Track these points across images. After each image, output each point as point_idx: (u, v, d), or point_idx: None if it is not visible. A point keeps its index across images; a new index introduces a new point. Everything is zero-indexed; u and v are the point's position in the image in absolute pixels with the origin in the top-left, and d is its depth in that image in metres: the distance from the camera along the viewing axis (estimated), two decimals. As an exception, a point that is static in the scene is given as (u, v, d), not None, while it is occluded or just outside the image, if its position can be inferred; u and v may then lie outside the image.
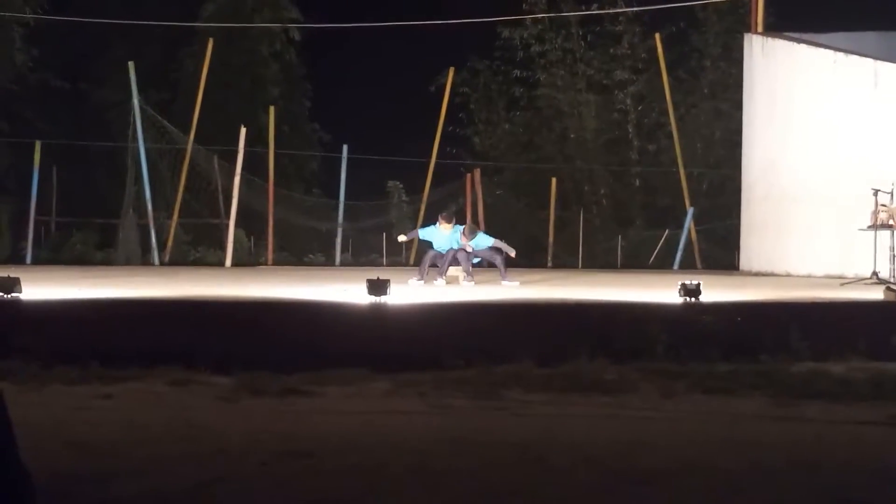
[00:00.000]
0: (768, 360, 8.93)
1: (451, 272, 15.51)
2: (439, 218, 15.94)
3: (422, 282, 15.13)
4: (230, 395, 7.55)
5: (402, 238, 17.40)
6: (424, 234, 16.22)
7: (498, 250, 15.57)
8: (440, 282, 15.16)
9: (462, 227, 15.80)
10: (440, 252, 15.53)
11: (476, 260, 15.70)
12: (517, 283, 15.04)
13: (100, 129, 34.22)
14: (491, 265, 15.99)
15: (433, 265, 15.64)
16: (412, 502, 4.70)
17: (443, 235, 15.60)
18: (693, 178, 31.34)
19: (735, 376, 8.31)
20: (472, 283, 15.09)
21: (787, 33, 23.35)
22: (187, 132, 27.22)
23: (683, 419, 6.87)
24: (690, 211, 28.34)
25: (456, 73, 31.20)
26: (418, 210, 29.71)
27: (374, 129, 35.50)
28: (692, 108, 34.87)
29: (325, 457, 5.51)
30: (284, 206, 29.08)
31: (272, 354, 8.53)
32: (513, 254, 15.64)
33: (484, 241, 15.62)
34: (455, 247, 15.36)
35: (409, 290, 12.66)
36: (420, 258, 16.99)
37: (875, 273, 15.82)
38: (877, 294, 11.66)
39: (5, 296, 9.73)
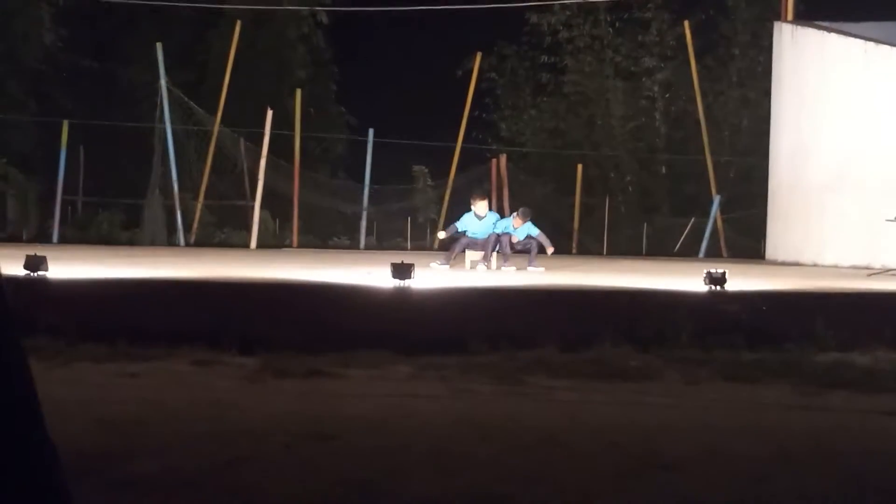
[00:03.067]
0: (793, 350, 8.90)
1: (477, 256, 15.52)
2: (474, 197, 15.86)
3: (446, 266, 15.11)
4: (255, 375, 7.58)
5: (442, 234, 16.93)
6: (462, 225, 15.83)
7: (534, 239, 15.60)
8: (482, 267, 15.17)
9: (496, 215, 15.87)
10: (476, 238, 15.44)
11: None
12: (542, 269, 15.04)
13: (127, 110, 34.32)
14: (522, 251, 15.93)
15: (465, 250, 15.57)
16: (434, 485, 4.71)
17: (477, 221, 15.50)
18: (720, 167, 31.21)
19: (759, 365, 8.29)
20: (513, 267, 15.14)
21: (817, 22, 23.21)
22: (214, 114, 27.29)
23: (707, 407, 6.86)
24: (717, 199, 28.23)
25: (483, 58, 31.12)
26: (443, 195, 29.69)
27: (400, 113, 35.52)
28: (720, 95, 34.73)
29: (347, 438, 5.53)
30: (310, 188, 29.14)
31: (297, 336, 8.56)
32: (550, 251, 15.68)
33: (531, 229, 15.63)
34: (497, 231, 15.32)
35: (432, 274, 12.68)
36: (446, 243, 16.81)
37: (902, 264, 15.74)
38: (904, 285, 11.60)
39: (32, 274, 9.80)
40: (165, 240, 26.42)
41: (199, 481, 4.66)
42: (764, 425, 6.26)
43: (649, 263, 20.65)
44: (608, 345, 8.72)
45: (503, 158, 29.76)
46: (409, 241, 31.75)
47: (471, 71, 30.02)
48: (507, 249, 15.38)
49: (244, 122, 29.00)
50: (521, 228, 15.53)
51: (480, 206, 15.59)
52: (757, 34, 33.51)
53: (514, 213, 15.90)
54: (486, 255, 15.28)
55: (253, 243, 25.53)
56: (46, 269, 9.94)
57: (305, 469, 4.91)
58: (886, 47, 20.36)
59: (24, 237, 27.41)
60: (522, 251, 15.80)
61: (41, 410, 3.13)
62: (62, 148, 26.42)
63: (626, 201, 35.84)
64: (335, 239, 31.50)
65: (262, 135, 26.05)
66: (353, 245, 29.62)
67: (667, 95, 36.03)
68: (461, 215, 15.93)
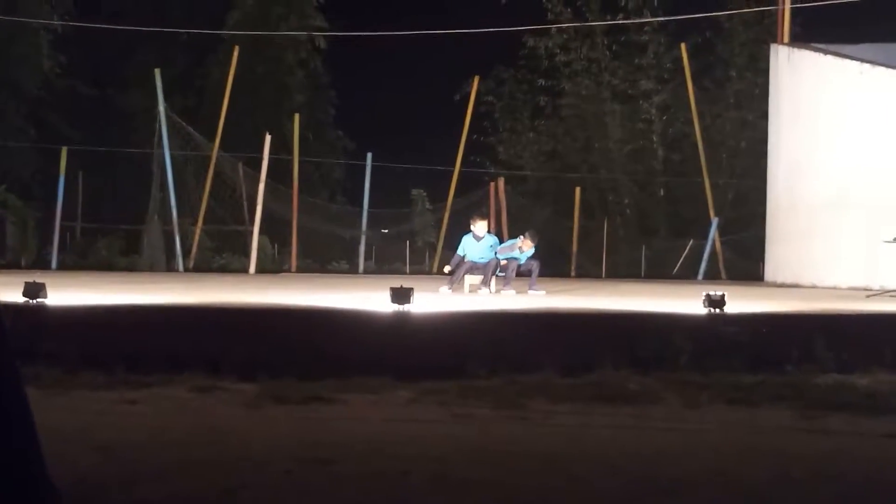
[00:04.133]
0: (793, 372, 8.88)
1: (475, 280, 15.54)
2: (473, 218, 15.91)
3: (449, 290, 15.14)
4: (254, 401, 7.56)
5: (447, 269, 16.48)
6: (462, 250, 15.94)
7: (535, 260, 15.68)
8: (484, 291, 15.17)
9: (495, 238, 15.89)
10: (476, 262, 15.47)
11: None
12: (543, 292, 15.05)
13: (126, 136, 34.45)
14: (524, 274, 15.95)
15: (469, 273, 15.62)
16: (435, 511, 4.70)
17: (475, 243, 15.54)
18: (718, 189, 31.26)
19: (760, 388, 8.26)
20: (513, 291, 15.16)
21: (813, 44, 23.29)
22: (212, 139, 27.34)
23: (708, 430, 6.85)
24: (715, 221, 28.25)
25: (481, 81, 31.21)
26: (441, 218, 29.71)
27: (398, 137, 35.60)
28: (717, 117, 34.82)
29: (347, 464, 5.52)
30: (308, 213, 29.19)
31: (296, 361, 8.53)
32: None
33: (532, 252, 15.75)
34: (500, 256, 15.37)
35: (431, 298, 12.67)
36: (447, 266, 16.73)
37: (901, 285, 15.74)
38: (903, 306, 11.58)
39: (31, 301, 9.78)
40: (164, 265, 26.43)
41: (198, 509, 4.65)
42: (765, 449, 6.24)
43: (648, 286, 20.64)
44: (608, 368, 8.70)
45: (501, 181, 29.81)
46: (408, 264, 31.75)
47: (468, 94, 30.11)
48: (512, 274, 15.42)
49: (243, 147, 29.06)
50: (527, 251, 15.59)
51: (480, 227, 15.65)
52: (754, 56, 33.63)
53: (522, 236, 15.91)
54: (486, 279, 15.29)
55: (252, 268, 25.54)
56: (45, 297, 9.93)
57: (305, 495, 4.89)
58: (882, 69, 20.42)
59: (22, 264, 27.39)
60: (524, 274, 15.83)
61: (38, 437, 3.12)
62: (61, 174, 26.45)
63: (625, 224, 35.89)
64: (334, 263, 31.50)
65: (260, 160, 26.08)
66: (351, 269, 29.63)
67: (664, 118, 36.12)
68: (460, 238, 15.98)
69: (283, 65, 38.61)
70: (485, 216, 16.13)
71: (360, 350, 8.95)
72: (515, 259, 15.48)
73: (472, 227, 15.72)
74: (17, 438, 3.10)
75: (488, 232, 15.97)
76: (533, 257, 15.73)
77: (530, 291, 15.11)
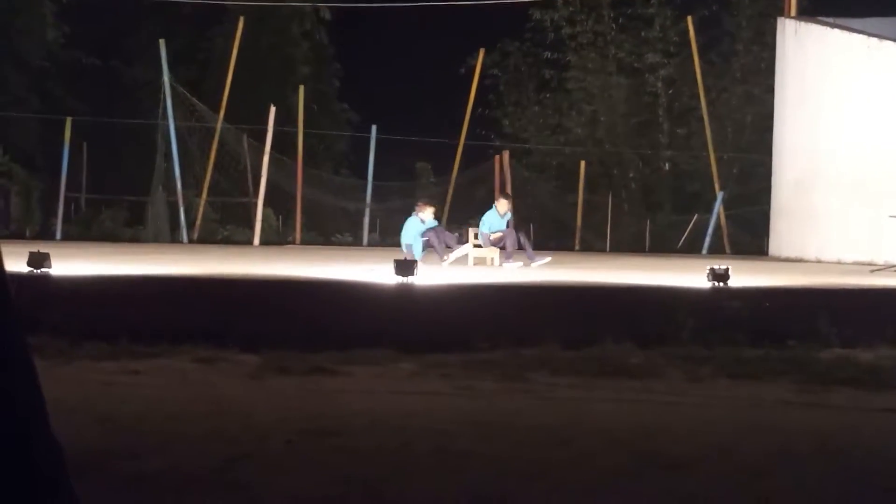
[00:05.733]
0: (796, 346, 8.88)
1: (480, 253, 15.57)
2: (421, 205, 16.11)
3: (447, 260, 15.24)
4: (257, 373, 7.58)
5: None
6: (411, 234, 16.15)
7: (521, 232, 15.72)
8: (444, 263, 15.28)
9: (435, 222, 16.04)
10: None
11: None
12: (548, 259, 15.15)
13: (130, 107, 34.35)
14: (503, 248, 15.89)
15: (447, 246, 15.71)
16: (437, 483, 4.71)
17: (421, 227, 15.68)
18: (723, 163, 31.15)
19: (762, 362, 8.27)
20: (519, 263, 15.18)
21: (820, 18, 23.18)
22: (217, 110, 27.26)
23: (710, 404, 6.86)
24: (720, 195, 28.17)
25: (486, 54, 31.07)
26: (446, 192, 29.67)
27: (403, 110, 35.47)
28: (723, 92, 34.68)
29: (350, 436, 5.53)
30: (313, 185, 29.13)
31: (299, 333, 8.55)
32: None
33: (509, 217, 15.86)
34: (485, 230, 15.44)
35: (439, 271, 12.69)
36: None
37: (905, 260, 15.71)
38: (907, 282, 11.57)
39: (35, 271, 9.80)
40: (168, 237, 26.42)
41: (202, 479, 4.66)
42: (767, 423, 6.26)
43: (652, 260, 20.63)
44: (610, 342, 8.71)
45: (506, 155, 29.72)
46: (413, 237, 31.69)
47: (474, 67, 29.96)
48: (513, 247, 15.38)
49: (247, 118, 28.96)
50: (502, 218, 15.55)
51: (427, 213, 15.82)
52: (760, 30, 33.43)
53: (500, 199, 15.98)
54: (452, 248, 15.45)
55: (256, 240, 25.52)
56: (50, 267, 9.94)
57: (308, 466, 4.91)
58: (889, 43, 20.33)
59: (27, 234, 27.40)
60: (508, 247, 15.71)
61: (46, 408, 3.14)
62: (65, 145, 26.42)
63: (629, 198, 35.81)
64: (338, 236, 31.47)
65: (265, 132, 26.02)
66: (355, 242, 29.61)
67: (670, 92, 35.97)
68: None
69: (288, 36, 38.43)
70: (432, 203, 16.46)
71: (364, 322, 8.96)
72: (504, 230, 15.44)
73: (418, 213, 15.80)
74: (26, 409, 3.11)
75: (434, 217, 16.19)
76: (518, 230, 15.65)
77: (533, 264, 15.09)
